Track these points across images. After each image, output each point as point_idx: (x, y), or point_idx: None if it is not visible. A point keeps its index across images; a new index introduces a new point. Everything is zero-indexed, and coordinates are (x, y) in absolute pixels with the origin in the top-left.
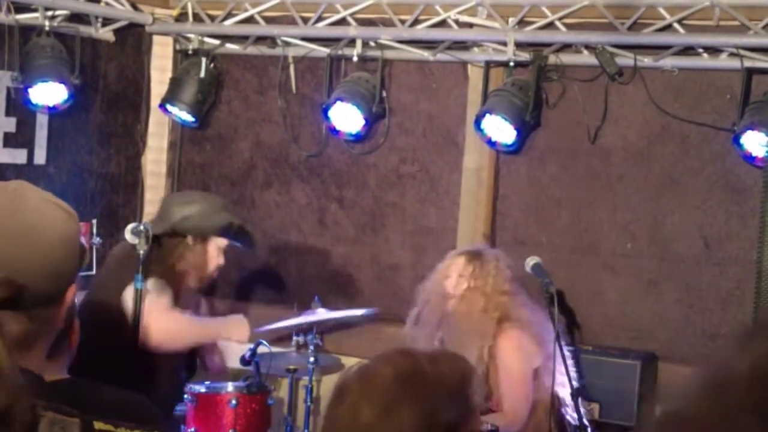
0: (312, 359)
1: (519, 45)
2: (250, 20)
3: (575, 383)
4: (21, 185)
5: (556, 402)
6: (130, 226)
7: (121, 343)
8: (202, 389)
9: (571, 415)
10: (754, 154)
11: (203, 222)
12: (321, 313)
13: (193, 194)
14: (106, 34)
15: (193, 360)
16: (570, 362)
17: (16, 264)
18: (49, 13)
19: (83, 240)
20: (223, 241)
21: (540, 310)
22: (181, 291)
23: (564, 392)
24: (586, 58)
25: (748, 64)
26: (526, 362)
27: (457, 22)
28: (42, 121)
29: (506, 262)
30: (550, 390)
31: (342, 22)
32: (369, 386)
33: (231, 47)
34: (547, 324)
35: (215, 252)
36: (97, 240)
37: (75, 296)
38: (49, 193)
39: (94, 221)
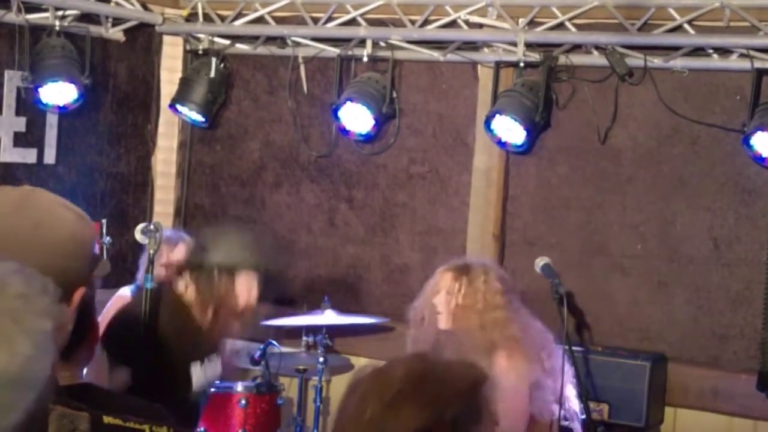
0: (321, 359)
1: (529, 45)
2: (260, 20)
3: (561, 383)
4: (35, 189)
5: (558, 417)
6: (140, 226)
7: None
8: (212, 389)
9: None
10: (763, 155)
11: (230, 256)
12: (330, 316)
13: (226, 232)
14: (116, 34)
15: None
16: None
17: (25, 257)
18: (60, 13)
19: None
20: (252, 276)
21: (535, 320)
22: (212, 326)
23: (574, 402)
24: (596, 58)
25: (758, 65)
26: (519, 379)
27: (467, 22)
28: (52, 120)
29: (497, 273)
30: (550, 405)
31: (352, 22)
32: (378, 382)
33: (241, 47)
34: (544, 335)
35: (245, 286)
36: (107, 240)
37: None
38: (63, 199)
39: (104, 221)
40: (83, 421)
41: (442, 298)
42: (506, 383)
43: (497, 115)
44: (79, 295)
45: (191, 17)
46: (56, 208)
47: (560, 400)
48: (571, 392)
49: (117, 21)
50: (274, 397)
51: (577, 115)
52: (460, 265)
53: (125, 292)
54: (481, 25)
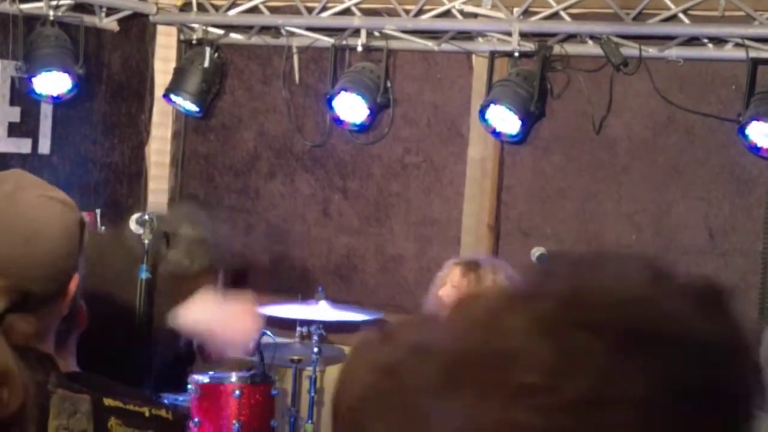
0: (316, 350)
1: (524, 35)
2: (254, 10)
3: None
4: (16, 182)
5: None
6: (134, 216)
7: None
8: (206, 380)
9: None
10: (759, 145)
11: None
12: (324, 307)
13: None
14: (110, 23)
15: (190, 349)
16: None
17: (20, 271)
18: (53, 2)
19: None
20: None
21: None
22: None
23: None
24: (591, 48)
25: (753, 54)
26: None
27: (461, 12)
28: (46, 110)
29: (506, 273)
30: None
31: (346, 12)
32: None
33: (235, 37)
34: None
35: None
36: (101, 230)
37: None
38: (45, 184)
39: (98, 211)
40: (84, 403)
41: (447, 291)
42: None
43: (492, 105)
44: (74, 283)
45: (185, 7)
46: (43, 207)
47: None
48: None
49: (111, 11)
50: (269, 387)
51: (571, 104)
52: (470, 261)
53: None
54: (475, 15)
